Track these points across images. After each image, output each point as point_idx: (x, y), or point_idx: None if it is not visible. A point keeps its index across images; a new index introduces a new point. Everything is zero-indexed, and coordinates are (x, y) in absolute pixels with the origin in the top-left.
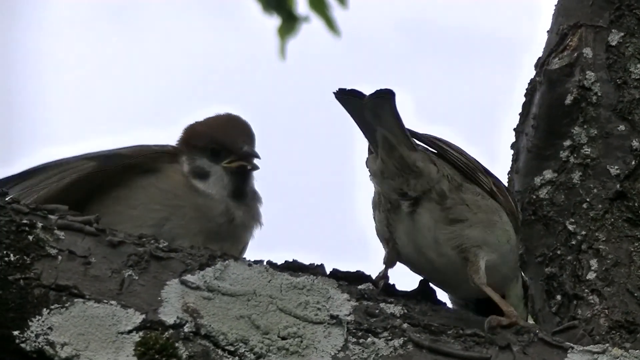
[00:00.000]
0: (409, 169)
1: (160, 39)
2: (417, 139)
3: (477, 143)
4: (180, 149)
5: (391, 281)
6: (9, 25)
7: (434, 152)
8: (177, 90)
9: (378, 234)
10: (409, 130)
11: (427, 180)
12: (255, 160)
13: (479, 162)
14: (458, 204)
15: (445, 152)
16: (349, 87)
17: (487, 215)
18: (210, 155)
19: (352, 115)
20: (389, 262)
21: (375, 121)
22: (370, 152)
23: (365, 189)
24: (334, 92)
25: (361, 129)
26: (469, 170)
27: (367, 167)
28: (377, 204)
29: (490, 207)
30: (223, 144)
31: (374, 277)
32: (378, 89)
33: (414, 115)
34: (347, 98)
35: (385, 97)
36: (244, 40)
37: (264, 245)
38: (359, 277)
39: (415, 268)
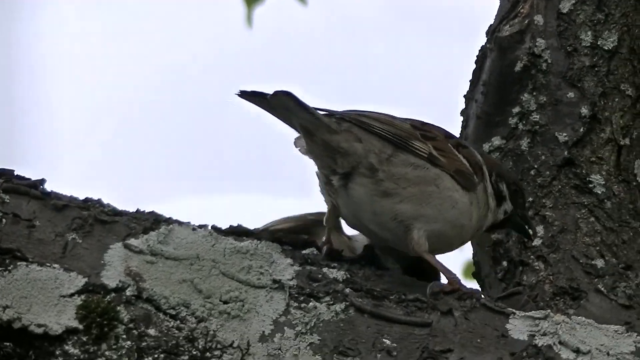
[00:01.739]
0: (333, 150)
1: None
2: (341, 118)
3: (437, 111)
4: None
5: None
6: (9, 22)
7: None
8: (144, 61)
9: (325, 201)
10: (329, 111)
11: (354, 158)
12: None
13: (422, 126)
14: (388, 179)
15: (369, 126)
16: (249, 89)
17: (420, 187)
18: None
19: (265, 110)
20: (332, 226)
21: (288, 113)
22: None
23: None
24: (236, 94)
25: (279, 119)
26: (400, 140)
27: (296, 146)
28: (317, 175)
29: (423, 177)
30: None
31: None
32: (276, 90)
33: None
34: (252, 98)
35: (285, 95)
36: (210, 9)
37: None
38: (303, 242)
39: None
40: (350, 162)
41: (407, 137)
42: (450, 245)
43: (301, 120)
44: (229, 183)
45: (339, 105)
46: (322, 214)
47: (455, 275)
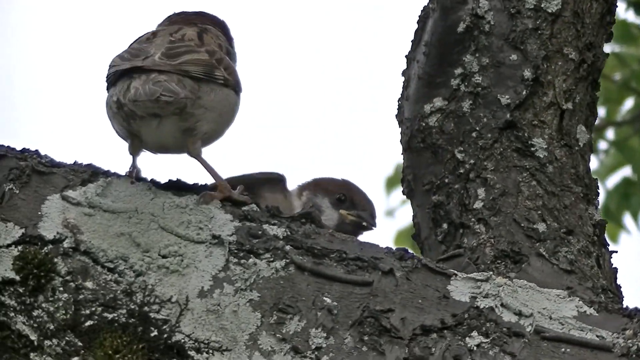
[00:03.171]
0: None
1: None
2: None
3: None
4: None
5: None
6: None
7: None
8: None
9: (118, 134)
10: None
11: (176, 105)
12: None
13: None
14: (196, 111)
15: (189, 72)
16: None
17: (219, 106)
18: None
19: None
20: (135, 152)
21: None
22: None
23: None
24: None
25: None
26: (207, 75)
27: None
28: (114, 115)
29: (221, 98)
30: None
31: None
32: None
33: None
34: None
35: None
36: None
37: None
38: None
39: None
40: (172, 109)
41: (210, 70)
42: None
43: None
44: None
45: None
46: (271, 173)
47: (225, 182)
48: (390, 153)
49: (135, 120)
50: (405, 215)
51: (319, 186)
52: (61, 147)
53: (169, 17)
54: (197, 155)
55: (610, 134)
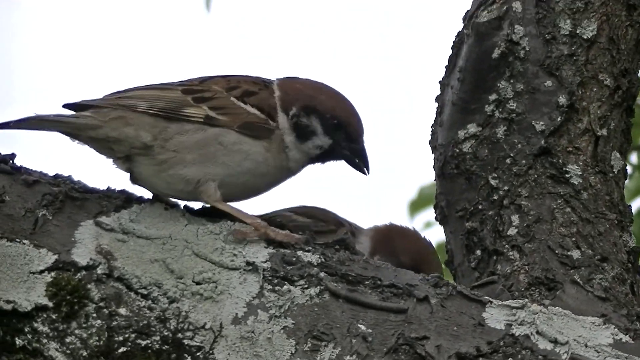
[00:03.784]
0: (105, 142)
1: None
2: (105, 105)
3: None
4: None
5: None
6: None
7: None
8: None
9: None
10: (86, 102)
11: (127, 142)
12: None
13: (200, 85)
14: (166, 151)
15: (131, 107)
16: None
17: (200, 150)
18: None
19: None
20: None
21: (47, 127)
22: None
23: None
24: None
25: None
26: (170, 112)
27: None
28: None
29: (202, 140)
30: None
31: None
32: (17, 119)
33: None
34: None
35: (26, 120)
36: None
37: None
38: (278, 224)
39: None
40: (126, 147)
41: (177, 107)
42: (255, 192)
43: (59, 129)
44: None
45: None
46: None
47: (258, 220)
48: (414, 176)
49: None
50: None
51: (393, 248)
52: (61, 147)
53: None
54: (214, 202)
55: (634, 158)
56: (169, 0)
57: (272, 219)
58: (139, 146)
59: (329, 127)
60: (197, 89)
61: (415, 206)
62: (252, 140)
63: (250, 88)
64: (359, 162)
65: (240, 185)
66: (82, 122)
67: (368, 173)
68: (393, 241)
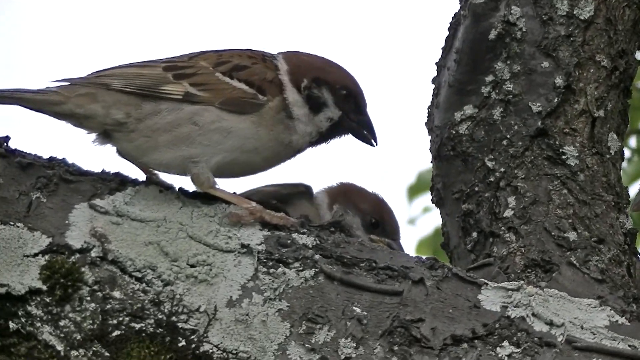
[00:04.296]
0: (71, 117)
1: None
2: (80, 83)
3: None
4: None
5: None
6: None
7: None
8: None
9: None
10: (70, 80)
11: (98, 119)
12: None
13: (185, 61)
14: (140, 133)
15: (108, 85)
16: None
17: (173, 132)
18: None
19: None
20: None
21: (13, 101)
22: None
23: None
24: None
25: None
26: (146, 90)
27: None
28: None
29: (174, 121)
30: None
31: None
32: None
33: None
34: None
35: None
36: None
37: None
38: (273, 208)
39: None
40: (97, 124)
41: (155, 84)
42: (253, 168)
43: (18, 104)
44: None
45: None
46: (297, 186)
47: (253, 204)
48: (412, 161)
49: None
50: (427, 223)
51: (351, 200)
52: (60, 145)
53: None
54: (207, 189)
55: (632, 141)
56: None
57: (250, 198)
58: (112, 123)
59: (339, 97)
60: (181, 65)
61: (414, 190)
62: (237, 116)
63: (242, 62)
64: (367, 133)
65: (229, 163)
66: (40, 97)
67: (376, 145)
68: (350, 192)
